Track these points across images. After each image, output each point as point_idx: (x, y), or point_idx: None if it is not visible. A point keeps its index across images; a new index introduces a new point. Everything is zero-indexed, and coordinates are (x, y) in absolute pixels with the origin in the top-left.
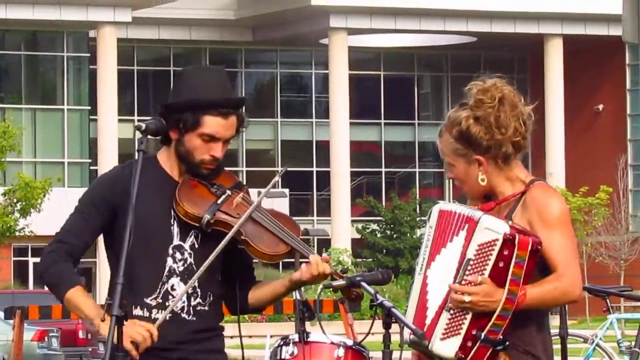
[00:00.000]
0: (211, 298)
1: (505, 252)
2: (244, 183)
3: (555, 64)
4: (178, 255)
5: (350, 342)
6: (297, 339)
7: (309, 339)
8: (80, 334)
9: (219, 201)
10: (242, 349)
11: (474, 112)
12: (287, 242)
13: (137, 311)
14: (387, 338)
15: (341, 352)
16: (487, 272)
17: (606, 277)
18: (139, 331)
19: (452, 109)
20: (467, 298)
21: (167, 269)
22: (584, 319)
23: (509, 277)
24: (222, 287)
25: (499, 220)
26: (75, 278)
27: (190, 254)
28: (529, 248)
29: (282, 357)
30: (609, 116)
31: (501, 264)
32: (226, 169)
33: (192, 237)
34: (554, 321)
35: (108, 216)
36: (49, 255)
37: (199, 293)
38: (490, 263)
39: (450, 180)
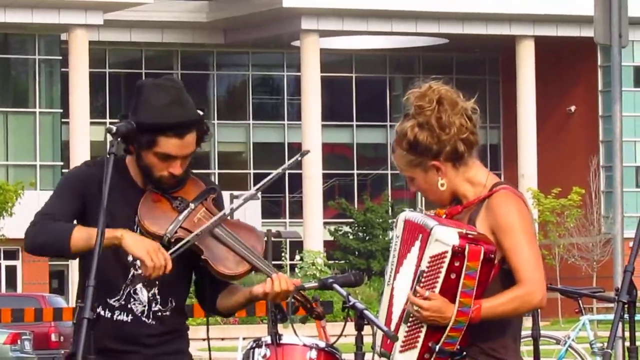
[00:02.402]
0: (173, 304)
1: (457, 264)
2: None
3: (527, 65)
4: (139, 262)
5: (322, 344)
6: (269, 341)
7: (281, 341)
8: (53, 337)
9: (180, 217)
10: (210, 351)
11: (417, 120)
12: (248, 261)
13: (100, 310)
14: (359, 340)
15: (314, 354)
16: (439, 285)
17: (579, 279)
18: (159, 257)
19: (397, 123)
20: (417, 308)
21: (131, 273)
22: (556, 320)
23: (460, 289)
24: (185, 292)
25: (450, 230)
26: (70, 224)
27: None
28: (481, 257)
29: (255, 359)
30: (581, 117)
31: (453, 276)
32: (196, 172)
33: None
34: (527, 322)
35: (79, 206)
36: (34, 226)
37: (159, 300)
38: (442, 275)
39: None
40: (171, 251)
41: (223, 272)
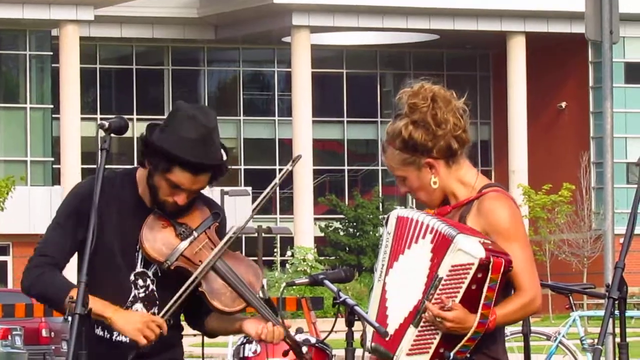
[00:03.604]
0: (171, 322)
1: (479, 276)
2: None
3: (517, 61)
4: (140, 282)
5: (313, 340)
6: None
7: None
8: (44, 333)
9: (181, 246)
10: (202, 347)
11: (411, 118)
12: (245, 299)
13: (99, 331)
14: (349, 336)
15: (304, 350)
16: (459, 295)
17: (569, 275)
18: (153, 328)
19: (388, 124)
20: (440, 319)
21: (132, 294)
22: (546, 317)
23: (482, 301)
24: (182, 309)
25: (473, 240)
26: (69, 282)
27: (152, 280)
28: (502, 270)
29: (245, 355)
30: (572, 114)
31: (474, 287)
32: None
33: (155, 266)
34: None
35: (83, 227)
36: (34, 270)
37: None
38: (464, 286)
39: None
40: (164, 311)
41: (218, 307)
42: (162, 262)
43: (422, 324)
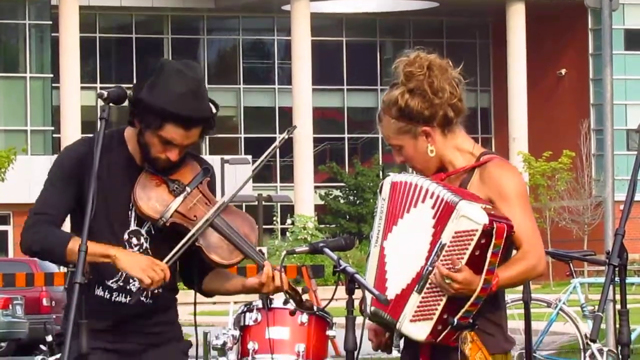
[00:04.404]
0: (166, 282)
1: (483, 241)
2: (206, 150)
3: (517, 29)
4: (134, 240)
5: (313, 308)
6: (260, 306)
7: (272, 306)
8: (45, 302)
9: (175, 202)
10: (195, 315)
11: (407, 86)
12: (242, 251)
13: (99, 291)
14: (350, 304)
15: (304, 318)
16: (464, 260)
17: (569, 242)
18: (156, 270)
19: (384, 93)
20: (448, 281)
21: None
22: (547, 284)
23: (486, 266)
24: (176, 269)
25: (476, 207)
26: (67, 233)
27: (146, 239)
28: (504, 235)
29: (246, 323)
30: (571, 81)
31: (477, 252)
32: (192, 154)
33: (149, 223)
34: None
35: (76, 190)
36: (30, 229)
37: None
38: (468, 252)
39: None
40: (168, 257)
41: (217, 261)
42: (156, 219)
43: (425, 290)
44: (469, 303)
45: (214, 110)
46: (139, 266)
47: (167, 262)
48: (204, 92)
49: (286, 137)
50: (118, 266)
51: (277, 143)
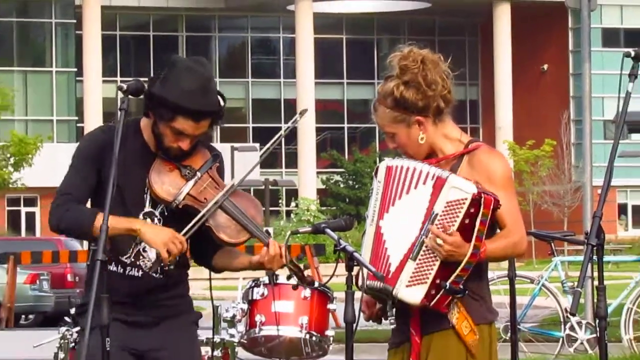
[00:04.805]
0: (177, 259)
1: (472, 210)
2: (217, 139)
3: (503, 27)
4: (148, 221)
5: (316, 284)
6: (267, 281)
7: (277, 281)
8: (69, 277)
9: (187, 185)
10: (211, 290)
11: (402, 79)
12: (248, 230)
13: (113, 267)
14: (349, 280)
15: (307, 292)
16: (454, 227)
17: (551, 223)
18: (176, 243)
19: (379, 85)
20: (439, 241)
21: None
22: (530, 262)
23: (475, 233)
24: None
25: (465, 180)
26: (92, 210)
27: (159, 220)
28: (492, 206)
29: (254, 297)
30: (553, 75)
31: (467, 221)
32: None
33: (162, 206)
34: (504, 264)
35: (96, 174)
36: (58, 208)
37: None
38: (458, 220)
39: None
40: (185, 230)
41: (225, 239)
42: (170, 201)
43: (420, 257)
44: (459, 268)
45: (221, 103)
46: (161, 239)
47: (187, 231)
48: (213, 87)
49: (299, 119)
50: (142, 238)
51: (290, 124)
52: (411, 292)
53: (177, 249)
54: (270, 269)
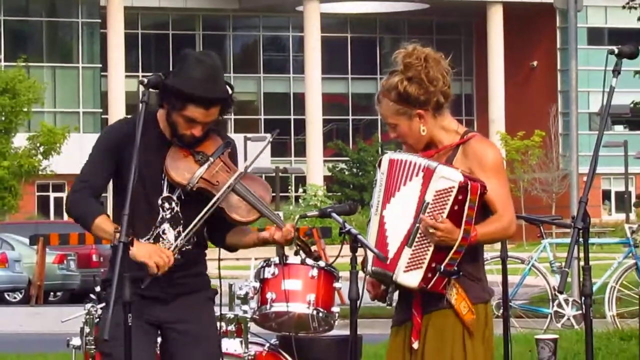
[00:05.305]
0: (194, 239)
1: (460, 197)
2: (231, 130)
3: (496, 27)
4: (166, 205)
5: (322, 264)
6: (277, 261)
7: (287, 261)
8: (94, 258)
9: (201, 169)
10: (219, 269)
11: (406, 75)
12: (258, 209)
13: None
14: (353, 260)
15: (315, 272)
16: (444, 214)
17: (540, 208)
18: (162, 257)
19: (383, 79)
20: (432, 230)
21: (160, 215)
22: (521, 244)
23: (464, 218)
24: (204, 228)
25: (452, 169)
26: (99, 208)
27: (177, 203)
28: (479, 192)
29: (265, 276)
30: (542, 71)
31: (456, 207)
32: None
33: (179, 190)
34: (496, 245)
35: (115, 163)
36: (74, 194)
37: (184, 237)
38: (448, 207)
39: None
40: (203, 212)
41: (236, 219)
42: (185, 185)
43: (415, 243)
44: (452, 251)
45: (230, 92)
46: (147, 253)
47: (198, 220)
48: (221, 76)
49: (270, 139)
50: (130, 254)
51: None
52: (409, 276)
53: (162, 261)
54: (279, 243)
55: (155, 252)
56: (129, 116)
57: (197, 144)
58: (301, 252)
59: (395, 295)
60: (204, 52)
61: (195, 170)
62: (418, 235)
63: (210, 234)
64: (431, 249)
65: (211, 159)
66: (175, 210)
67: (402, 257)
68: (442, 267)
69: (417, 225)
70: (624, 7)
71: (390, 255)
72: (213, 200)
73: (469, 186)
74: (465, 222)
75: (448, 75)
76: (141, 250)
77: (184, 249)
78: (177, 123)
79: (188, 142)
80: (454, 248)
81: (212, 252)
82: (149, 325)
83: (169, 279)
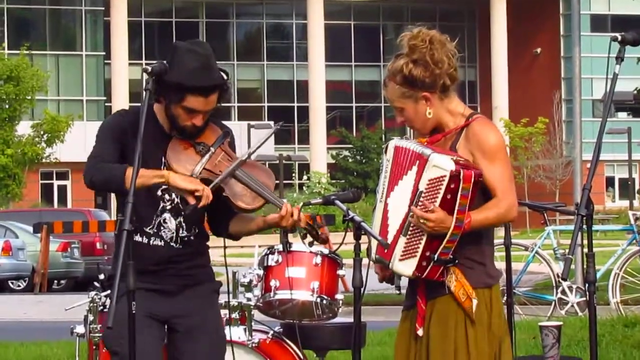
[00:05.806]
0: (196, 230)
1: (452, 186)
2: (234, 117)
3: (499, 14)
4: (167, 196)
5: (326, 251)
6: (281, 249)
7: (291, 249)
8: (98, 245)
9: (203, 160)
10: (225, 257)
11: (411, 57)
12: (263, 196)
13: (138, 237)
14: (357, 247)
15: (318, 259)
16: (437, 203)
17: (544, 195)
18: (205, 188)
19: (389, 63)
20: (423, 221)
21: (160, 206)
22: (524, 231)
23: (457, 207)
24: (205, 218)
25: (445, 157)
26: (122, 165)
27: (177, 195)
28: (472, 180)
29: (269, 264)
30: (546, 58)
31: (449, 196)
32: (213, 120)
33: None
34: (500, 232)
35: (120, 150)
36: (90, 167)
37: (185, 227)
38: (440, 195)
39: None
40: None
41: (241, 206)
42: (189, 176)
43: (409, 232)
44: (445, 240)
45: (225, 77)
46: (190, 181)
47: (215, 184)
48: (214, 64)
49: (274, 131)
50: (170, 183)
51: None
52: (404, 265)
53: (202, 196)
54: (284, 227)
55: (195, 185)
56: (125, 108)
57: (197, 136)
58: (308, 235)
59: (405, 280)
60: (192, 42)
61: (197, 161)
62: (412, 224)
63: (213, 224)
64: (424, 238)
65: (212, 149)
66: (175, 202)
67: (398, 246)
68: (436, 256)
69: (411, 214)
70: None
71: (390, 242)
72: (215, 181)
73: (462, 174)
74: (457, 211)
75: (454, 57)
76: (182, 180)
77: (185, 239)
78: (177, 115)
79: (190, 133)
80: (447, 237)
81: (216, 241)
82: (155, 321)
83: (174, 271)
